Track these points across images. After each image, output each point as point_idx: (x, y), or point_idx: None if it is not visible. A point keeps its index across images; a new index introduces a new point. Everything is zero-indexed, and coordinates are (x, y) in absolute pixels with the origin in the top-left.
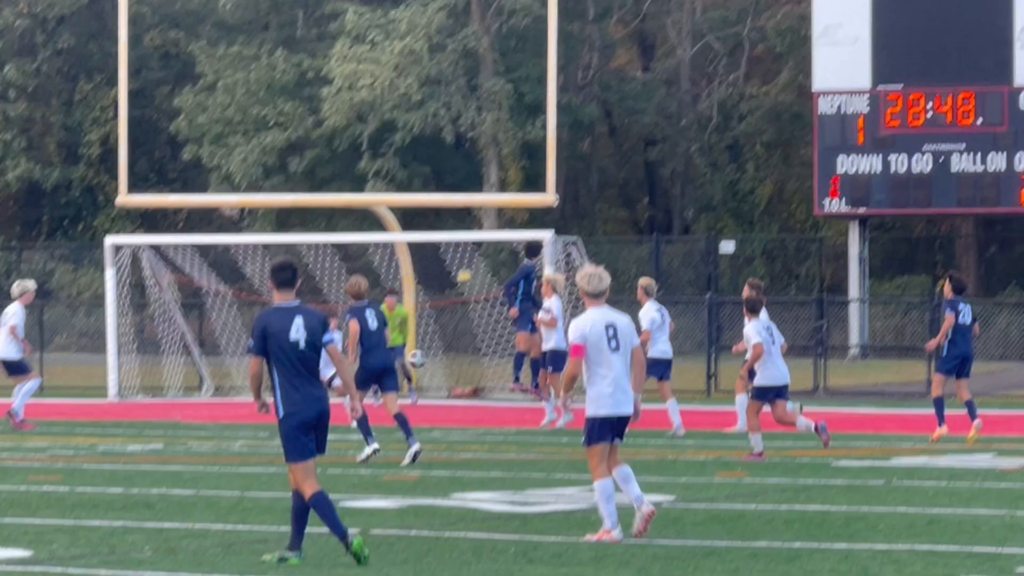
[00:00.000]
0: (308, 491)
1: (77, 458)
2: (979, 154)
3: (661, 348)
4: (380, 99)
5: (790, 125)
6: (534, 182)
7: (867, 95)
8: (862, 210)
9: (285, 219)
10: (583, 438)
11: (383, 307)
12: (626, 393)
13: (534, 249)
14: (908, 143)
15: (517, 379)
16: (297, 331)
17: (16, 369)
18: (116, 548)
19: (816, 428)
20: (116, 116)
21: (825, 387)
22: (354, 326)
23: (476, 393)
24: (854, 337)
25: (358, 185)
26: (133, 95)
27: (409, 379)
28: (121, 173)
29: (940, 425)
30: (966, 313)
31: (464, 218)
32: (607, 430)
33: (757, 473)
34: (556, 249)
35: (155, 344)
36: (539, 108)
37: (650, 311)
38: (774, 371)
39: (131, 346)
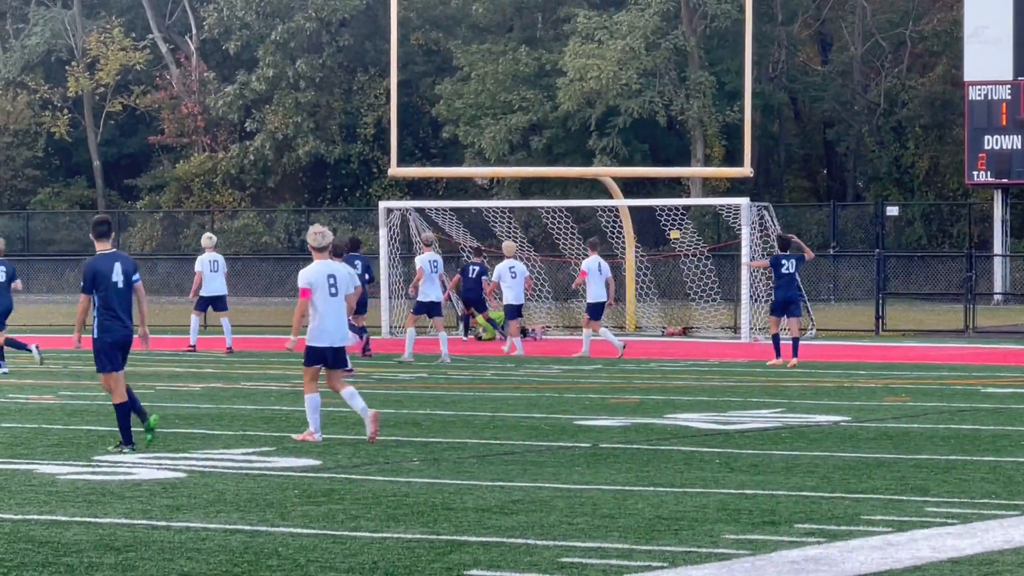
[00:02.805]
0: (117, 399)
1: (356, 384)
2: None
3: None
4: (606, 88)
5: (944, 110)
6: (733, 157)
7: (1009, 85)
8: (1005, 180)
9: (527, 187)
10: (303, 361)
11: None
12: (340, 328)
13: None
14: None
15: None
16: (117, 273)
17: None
18: (390, 458)
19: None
20: (388, 102)
21: (974, 327)
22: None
23: (685, 332)
24: (998, 286)
25: (587, 160)
26: (402, 85)
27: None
28: (392, 149)
29: (777, 356)
30: (789, 266)
31: (675, 187)
32: (320, 357)
33: (919, 399)
34: (751, 213)
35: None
36: (737, 96)
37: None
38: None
39: (400, 292)
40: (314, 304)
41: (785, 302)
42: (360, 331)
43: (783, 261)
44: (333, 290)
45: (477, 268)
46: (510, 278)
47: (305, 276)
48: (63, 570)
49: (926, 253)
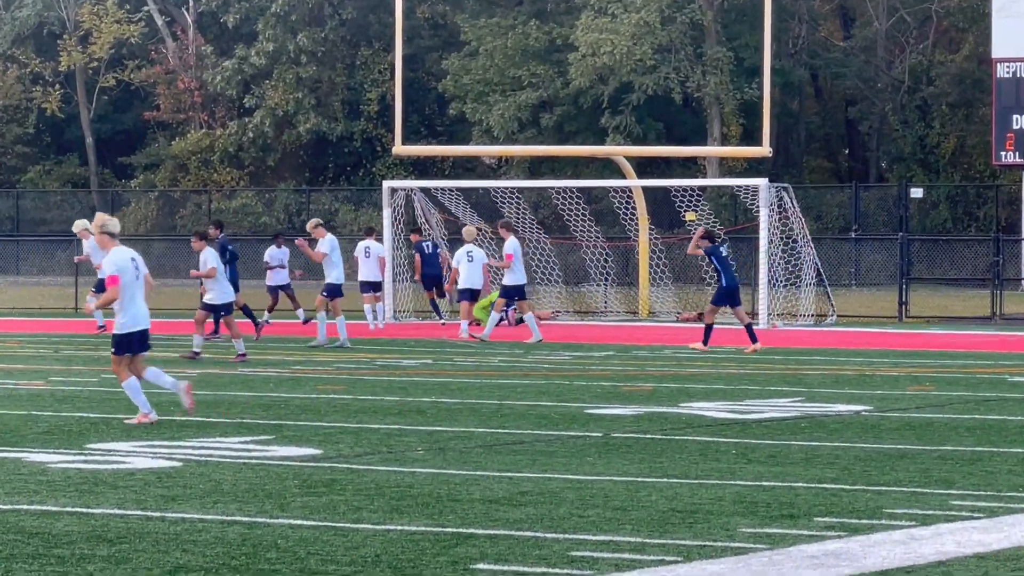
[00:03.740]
0: None
1: (359, 371)
2: None
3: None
4: (619, 64)
5: (971, 88)
6: (751, 136)
7: None
8: None
9: (537, 167)
10: (112, 349)
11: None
12: (145, 311)
13: None
14: None
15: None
16: None
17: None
18: (393, 447)
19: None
20: (392, 77)
21: (1001, 314)
22: None
23: (700, 317)
24: None
25: (600, 138)
26: (407, 59)
27: None
28: (396, 126)
29: (704, 343)
30: (726, 249)
31: (690, 167)
32: (130, 344)
33: (943, 388)
34: (770, 194)
35: None
36: (755, 72)
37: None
38: (222, 291)
39: (404, 275)
40: (122, 290)
41: (734, 291)
42: (248, 311)
43: (721, 249)
44: (137, 274)
45: (429, 244)
46: (467, 263)
47: (114, 264)
48: (54, 562)
49: (951, 237)
